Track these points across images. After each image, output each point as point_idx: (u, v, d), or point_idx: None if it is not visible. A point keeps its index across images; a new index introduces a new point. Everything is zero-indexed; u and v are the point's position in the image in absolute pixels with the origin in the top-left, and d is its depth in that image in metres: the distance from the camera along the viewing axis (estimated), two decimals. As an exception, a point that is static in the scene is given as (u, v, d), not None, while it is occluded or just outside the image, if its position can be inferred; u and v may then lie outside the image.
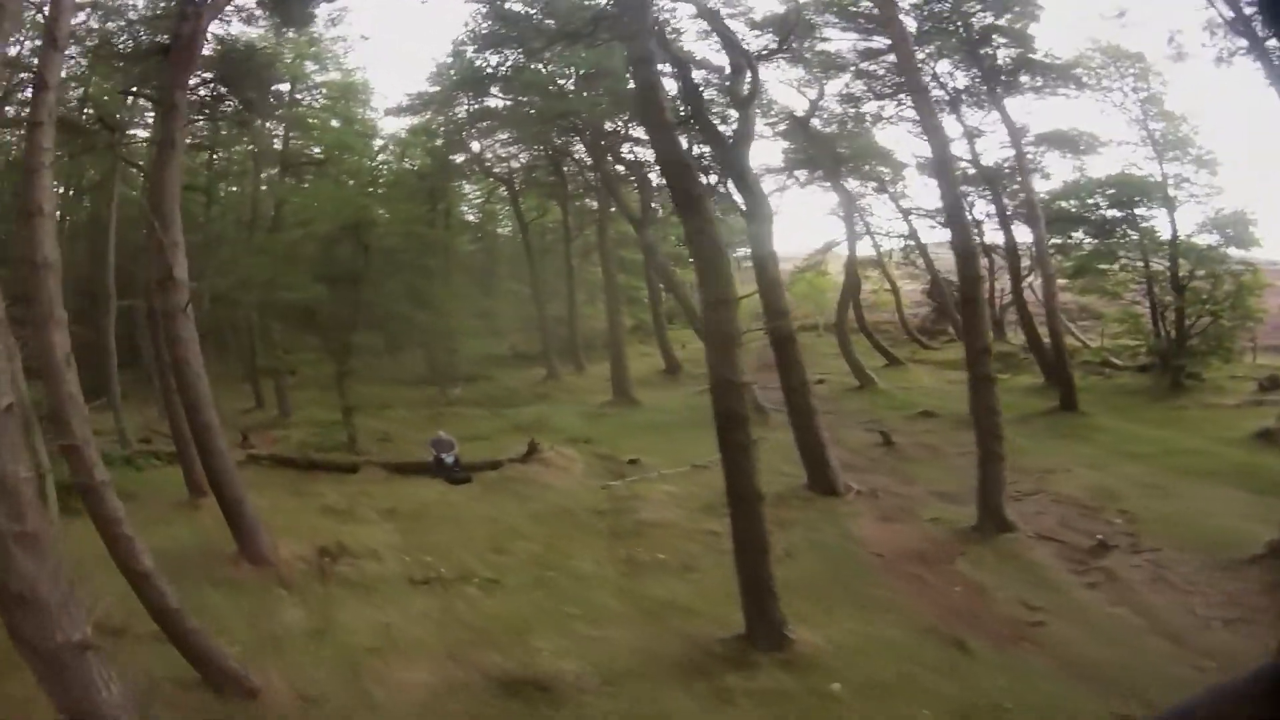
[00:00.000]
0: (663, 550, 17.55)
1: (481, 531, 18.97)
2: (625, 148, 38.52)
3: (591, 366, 41.51)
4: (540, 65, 34.55)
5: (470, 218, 48.80)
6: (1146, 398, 30.35)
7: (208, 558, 16.91)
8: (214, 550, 17.19)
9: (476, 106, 38.50)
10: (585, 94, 35.58)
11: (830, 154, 37.45)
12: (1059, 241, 35.21)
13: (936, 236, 42.31)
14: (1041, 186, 36.41)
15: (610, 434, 28.50)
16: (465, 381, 38.27)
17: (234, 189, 42.16)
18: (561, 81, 36.10)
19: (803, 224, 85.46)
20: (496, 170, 43.76)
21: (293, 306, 28.79)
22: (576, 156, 41.14)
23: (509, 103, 37.66)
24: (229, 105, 29.87)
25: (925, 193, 49.68)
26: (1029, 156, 36.00)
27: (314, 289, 27.67)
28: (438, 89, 38.08)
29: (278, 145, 38.51)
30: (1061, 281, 33.54)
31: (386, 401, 34.83)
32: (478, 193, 48.21)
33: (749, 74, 22.94)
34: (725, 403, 12.83)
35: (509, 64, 34.88)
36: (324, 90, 39.42)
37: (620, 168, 39.54)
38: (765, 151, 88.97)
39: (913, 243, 44.55)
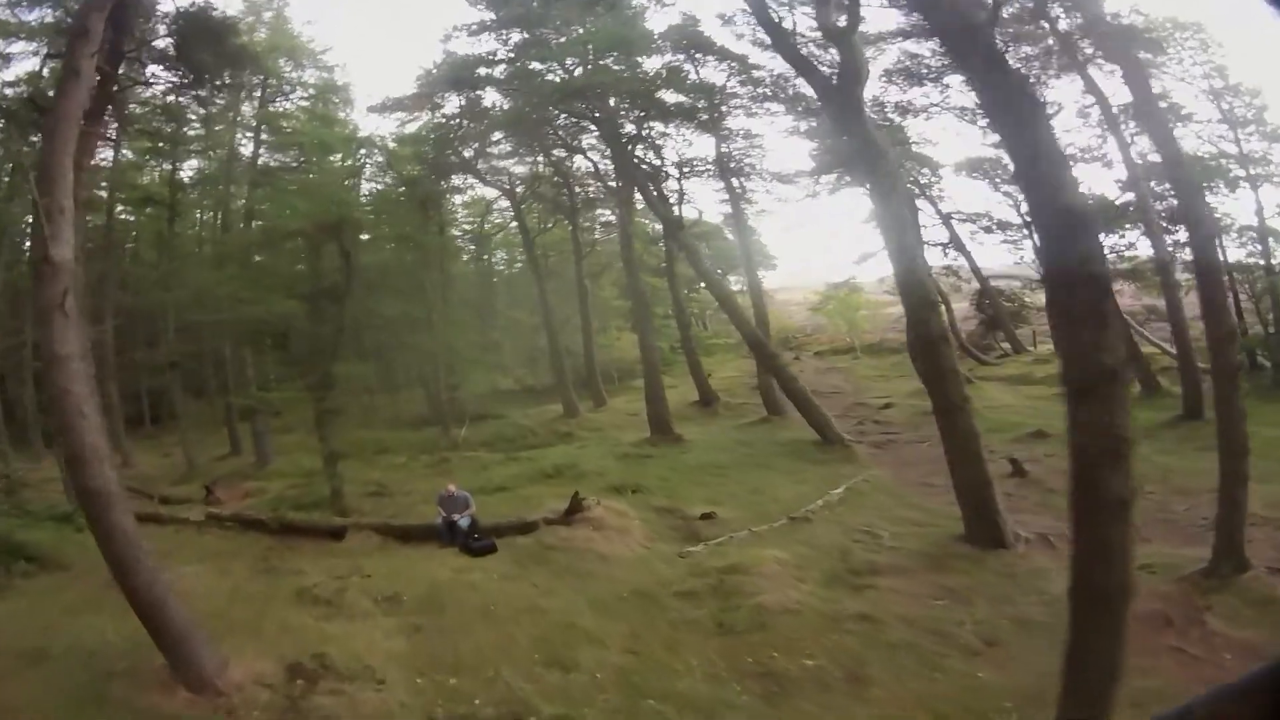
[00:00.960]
0: (807, 652, 11.72)
1: (526, 631, 13.16)
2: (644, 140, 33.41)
3: (612, 400, 36.88)
4: (549, 38, 29.69)
5: (466, 231, 43.86)
6: (1256, 398, 25.08)
7: (134, 673, 11.71)
8: (146, 660, 11.79)
9: (469, 101, 33.74)
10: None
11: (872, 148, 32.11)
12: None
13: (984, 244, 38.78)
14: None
15: (661, 480, 23.02)
16: (471, 420, 32.91)
17: (204, 203, 36.38)
18: (571, 63, 30.17)
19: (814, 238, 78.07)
20: (495, 179, 38.14)
21: (263, 330, 22.59)
22: (588, 160, 36.09)
23: (509, 96, 32.89)
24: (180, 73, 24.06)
25: (966, 195, 45.00)
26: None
27: (284, 304, 21.66)
28: (426, 87, 33.33)
29: (248, 151, 32.81)
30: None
31: (381, 445, 29.61)
32: (470, 209, 43.67)
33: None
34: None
35: (510, 45, 30.50)
36: (301, 87, 35.11)
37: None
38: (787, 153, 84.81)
39: (954, 251, 39.64)
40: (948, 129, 54.60)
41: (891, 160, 17.98)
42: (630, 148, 32.43)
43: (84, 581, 14.77)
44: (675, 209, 32.92)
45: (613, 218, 38.43)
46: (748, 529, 17.87)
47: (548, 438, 31.14)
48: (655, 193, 32.64)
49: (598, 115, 31.26)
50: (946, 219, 38.83)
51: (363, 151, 34.52)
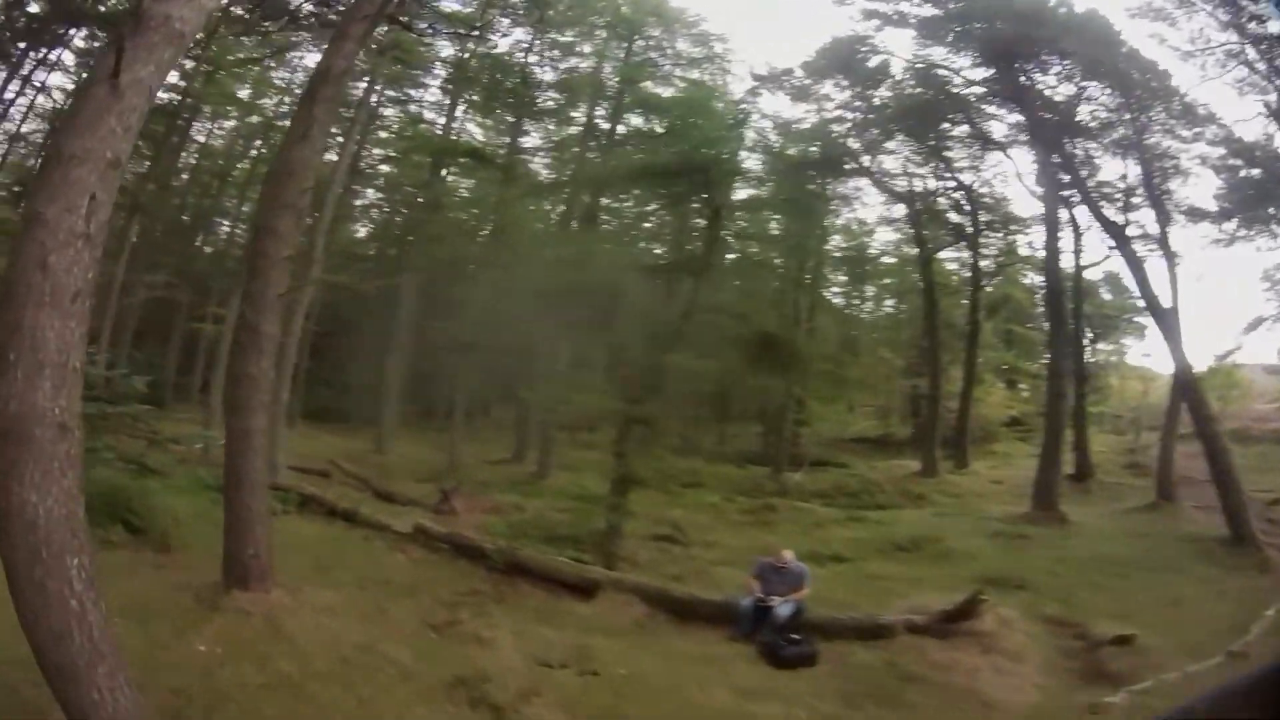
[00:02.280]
0: None
1: None
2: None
3: (974, 462, 29.64)
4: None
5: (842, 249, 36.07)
6: None
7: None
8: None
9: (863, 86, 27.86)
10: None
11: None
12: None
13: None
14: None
15: (1049, 575, 15.87)
16: (809, 465, 26.76)
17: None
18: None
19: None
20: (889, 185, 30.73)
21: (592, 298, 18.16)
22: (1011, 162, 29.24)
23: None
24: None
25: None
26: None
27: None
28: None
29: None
30: None
31: (693, 477, 23.92)
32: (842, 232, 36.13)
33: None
34: None
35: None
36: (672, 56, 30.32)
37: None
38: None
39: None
40: None
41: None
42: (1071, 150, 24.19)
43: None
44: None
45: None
46: (1181, 670, 10.23)
47: (897, 498, 24.79)
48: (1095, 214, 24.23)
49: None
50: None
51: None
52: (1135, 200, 24.17)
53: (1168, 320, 21.42)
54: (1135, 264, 22.95)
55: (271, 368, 10.33)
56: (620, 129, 29.25)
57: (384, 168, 34.19)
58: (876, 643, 10.89)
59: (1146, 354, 36.44)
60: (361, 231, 38.29)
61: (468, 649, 9.18)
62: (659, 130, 26.65)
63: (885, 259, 36.46)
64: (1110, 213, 24.00)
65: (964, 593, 11.56)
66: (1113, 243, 23.82)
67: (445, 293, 33.76)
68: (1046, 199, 25.61)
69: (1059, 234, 25.65)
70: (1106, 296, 34.91)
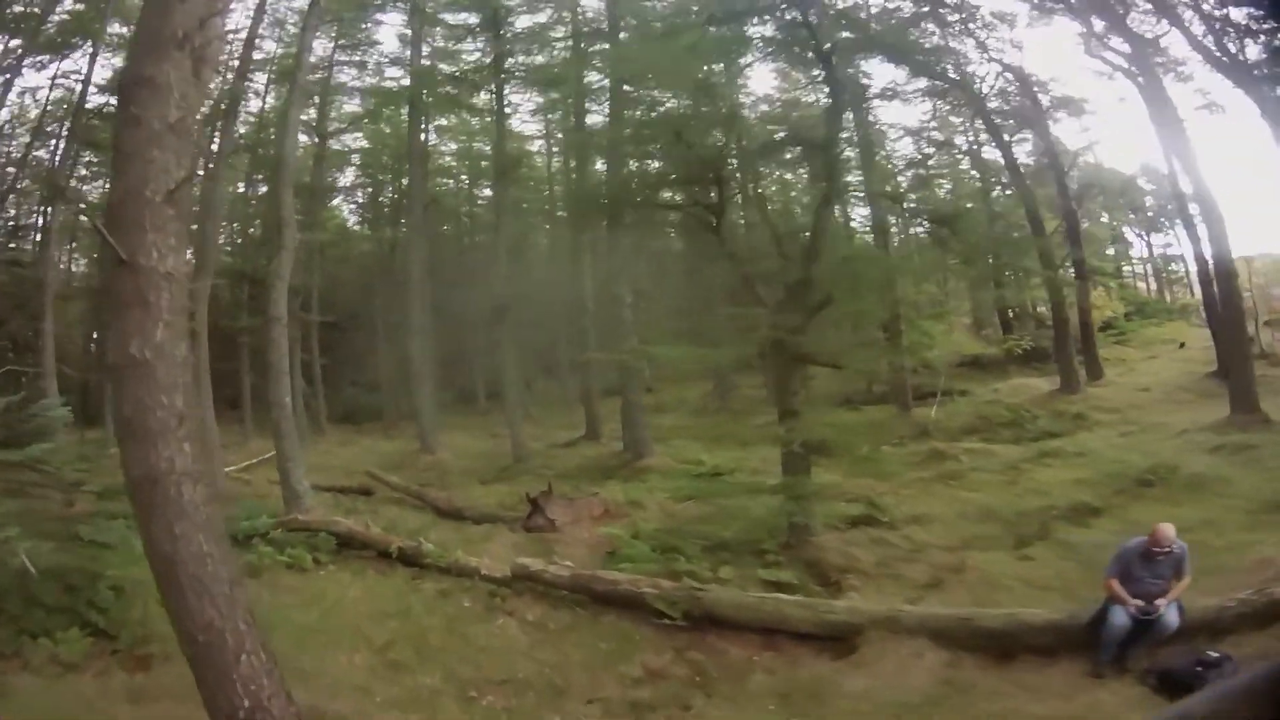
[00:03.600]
0: None
1: None
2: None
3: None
4: None
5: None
6: None
7: None
8: None
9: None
10: None
11: None
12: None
13: None
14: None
15: None
16: (942, 397, 21.83)
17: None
18: None
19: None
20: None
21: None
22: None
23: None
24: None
25: None
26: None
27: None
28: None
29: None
30: None
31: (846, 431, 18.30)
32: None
33: None
34: None
35: None
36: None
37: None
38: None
39: None
40: None
41: None
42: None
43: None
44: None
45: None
46: None
47: (1053, 423, 19.49)
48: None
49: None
50: None
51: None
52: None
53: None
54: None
55: (184, 347, 5.07)
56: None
57: (361, 142, 30.61)
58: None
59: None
60: (353, 219, 35.26)
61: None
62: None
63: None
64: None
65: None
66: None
67: (458, 257, 29.36)
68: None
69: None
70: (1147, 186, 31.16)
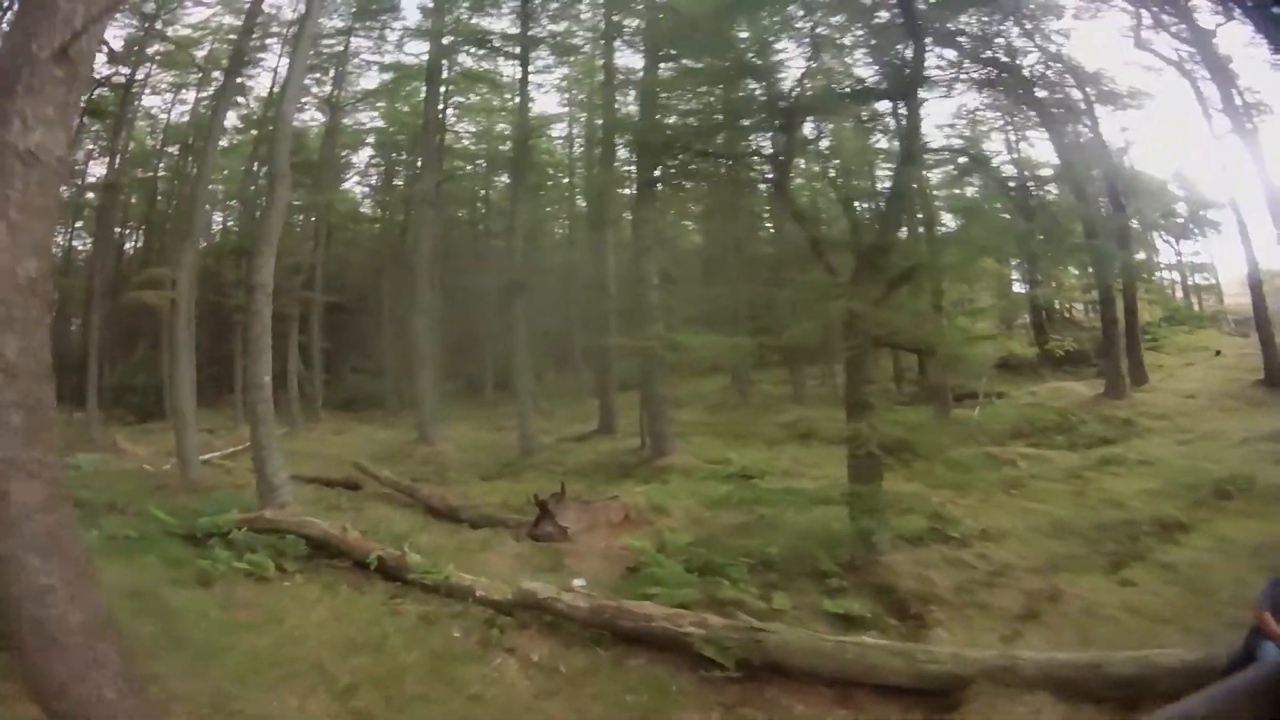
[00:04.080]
0: None
1: None
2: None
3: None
4: None
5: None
6: None
7: None
8: None
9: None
10: None
11: None
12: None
13: None
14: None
15: None
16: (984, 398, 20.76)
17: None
18: None
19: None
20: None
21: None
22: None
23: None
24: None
25: None
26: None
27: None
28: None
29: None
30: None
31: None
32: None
33: None
34: None
35: None
36: None
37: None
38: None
39: None
40: None
41: None
42: None
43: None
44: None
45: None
46: None
47: (1101, 428, 17.84)
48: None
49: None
50: None
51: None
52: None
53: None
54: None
55: (36, 268, 3.41)
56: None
57: (377, 121, 29.61)
58: None
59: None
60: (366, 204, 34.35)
61: None
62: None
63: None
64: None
65: None
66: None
67: (471, 243, 28.11)
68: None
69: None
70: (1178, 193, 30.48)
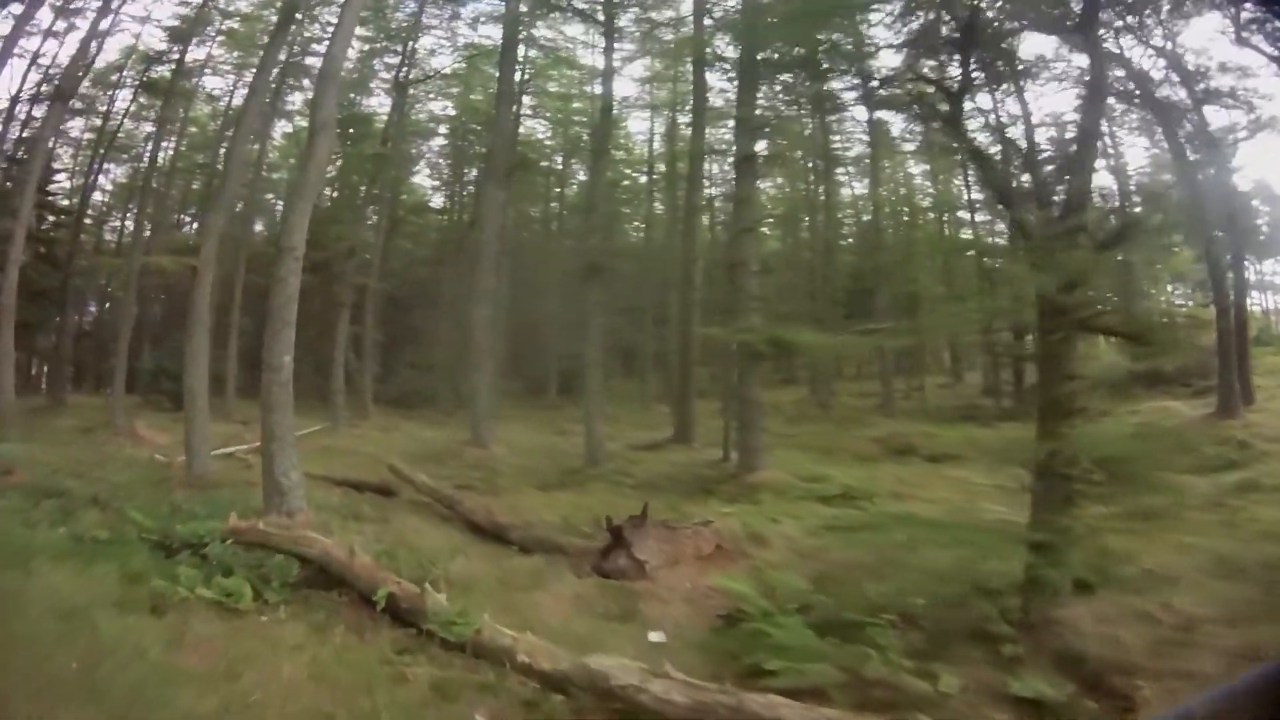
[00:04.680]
0: None
1: None
2: None
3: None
4: None
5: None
6: None
7: None
8: None
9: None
10: None
11: None
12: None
13: None
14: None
15: None
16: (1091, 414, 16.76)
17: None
18: None
19: None
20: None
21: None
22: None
23: None
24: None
25: None
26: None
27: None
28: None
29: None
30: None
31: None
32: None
33: None
34: None
35: None
36: None
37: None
38: None
39: None
40: None
41: None
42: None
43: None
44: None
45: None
46: None
47: (1221, 450, 15.55)
48: None
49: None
50: None
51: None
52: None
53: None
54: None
55: None
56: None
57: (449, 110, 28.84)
58: None
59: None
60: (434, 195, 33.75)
61: None
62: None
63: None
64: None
65: None
66: None
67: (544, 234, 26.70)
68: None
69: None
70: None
